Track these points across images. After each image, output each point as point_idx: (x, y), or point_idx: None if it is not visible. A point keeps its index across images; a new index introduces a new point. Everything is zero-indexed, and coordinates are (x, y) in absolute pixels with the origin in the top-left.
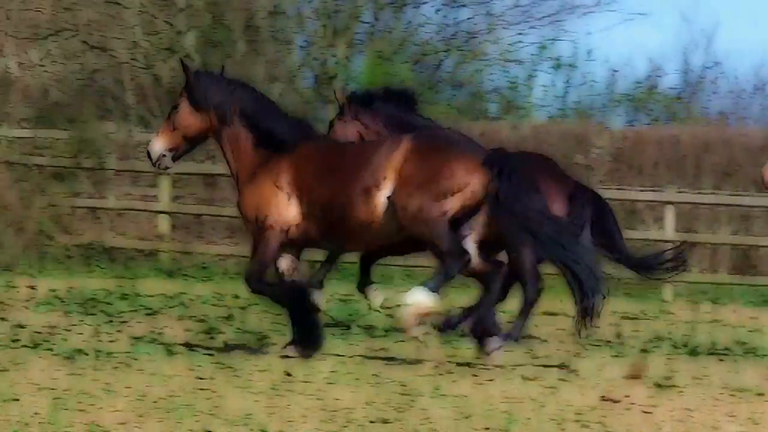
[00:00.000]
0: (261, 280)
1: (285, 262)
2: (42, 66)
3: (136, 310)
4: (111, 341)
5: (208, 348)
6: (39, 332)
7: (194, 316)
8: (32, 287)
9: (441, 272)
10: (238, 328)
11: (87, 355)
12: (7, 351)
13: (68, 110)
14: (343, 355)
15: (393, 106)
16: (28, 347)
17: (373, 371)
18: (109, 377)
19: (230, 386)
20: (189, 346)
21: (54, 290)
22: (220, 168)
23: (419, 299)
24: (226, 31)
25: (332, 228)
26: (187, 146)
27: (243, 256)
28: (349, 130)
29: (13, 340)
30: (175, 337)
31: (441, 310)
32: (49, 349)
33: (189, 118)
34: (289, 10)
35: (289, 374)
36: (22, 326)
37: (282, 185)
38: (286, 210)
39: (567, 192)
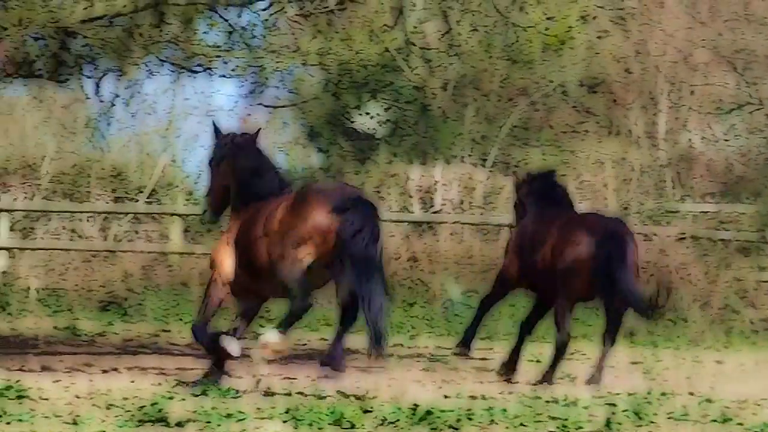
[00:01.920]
0: (204, 331)
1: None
2: (726, 140)
3: None
4: None
5: None
6: (728, 407)
7: None
8: (719, 362)
9: (289, 314)
10: None
11: None
12: (695, 425)
13: (753, 184)
14: None
15: (543, 186)
16: (716, 422)
17: None
18: None
19: None
20: None
21: (742, 364)
22: None
23: (270, 339)
24: None
25: (259, 279)
26: (217, 202)
27: None
28: (518, 209)
29: (703, 416)
30: None
31: (288, 347)
32: (739, 424)
33: (214, 178)
34: None
35: None
36: (710, 401)
37: (230, 242)
38: (228, 266)
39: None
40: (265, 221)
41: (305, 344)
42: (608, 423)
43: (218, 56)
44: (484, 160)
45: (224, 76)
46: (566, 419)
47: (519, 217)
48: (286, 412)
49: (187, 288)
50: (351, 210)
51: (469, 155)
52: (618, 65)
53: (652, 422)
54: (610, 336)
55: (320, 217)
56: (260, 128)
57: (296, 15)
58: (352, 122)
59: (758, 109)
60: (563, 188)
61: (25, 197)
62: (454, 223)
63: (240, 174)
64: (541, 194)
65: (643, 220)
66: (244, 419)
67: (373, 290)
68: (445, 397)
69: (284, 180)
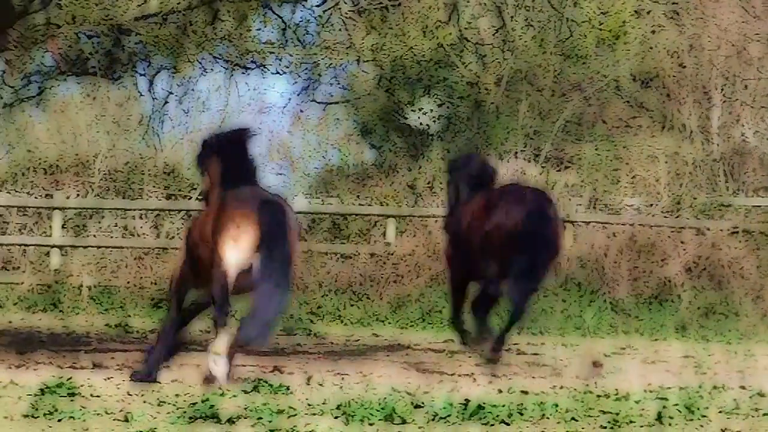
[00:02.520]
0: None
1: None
2: None
3: None
4: None
5: None
6: None
7: None
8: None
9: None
10: None
11: None
12: (747, 419)
13: None
14: None
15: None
16: None
17: None
18: None
19: None
20: None
21: None
22: None
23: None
24: None
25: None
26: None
27: None
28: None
29: (754, 409)
30: None
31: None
32: None
33: (203, 174)
34: None
35: None
36: (761, 395)
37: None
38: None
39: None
40: (201, 226)
41: (357, 340)
42: (659, 417)
43: (272, 53)
44: (537, 155)
45: (278, 72)
46: (617, 413)
47: (453, 199)
48: (337, 408)
49: None
50: (264, 210)
51: (522, 150)
52: (672, 60)
53: (704, 416)
54: None
55: (242, 226)
56: (249, 127)
57: (350, 11)
58: (406, 118)
59: None
60: (493, 168)
61: (78, 195)
62: None
63: (213, 169)
64: (471, 176)
65: (695, 215)
66: (295, 415)
67: (271, 296)
68: (498, 391)
69: (249, 176)
